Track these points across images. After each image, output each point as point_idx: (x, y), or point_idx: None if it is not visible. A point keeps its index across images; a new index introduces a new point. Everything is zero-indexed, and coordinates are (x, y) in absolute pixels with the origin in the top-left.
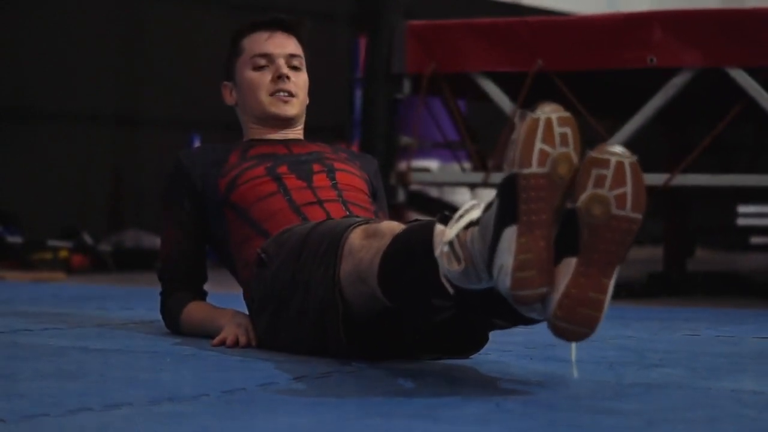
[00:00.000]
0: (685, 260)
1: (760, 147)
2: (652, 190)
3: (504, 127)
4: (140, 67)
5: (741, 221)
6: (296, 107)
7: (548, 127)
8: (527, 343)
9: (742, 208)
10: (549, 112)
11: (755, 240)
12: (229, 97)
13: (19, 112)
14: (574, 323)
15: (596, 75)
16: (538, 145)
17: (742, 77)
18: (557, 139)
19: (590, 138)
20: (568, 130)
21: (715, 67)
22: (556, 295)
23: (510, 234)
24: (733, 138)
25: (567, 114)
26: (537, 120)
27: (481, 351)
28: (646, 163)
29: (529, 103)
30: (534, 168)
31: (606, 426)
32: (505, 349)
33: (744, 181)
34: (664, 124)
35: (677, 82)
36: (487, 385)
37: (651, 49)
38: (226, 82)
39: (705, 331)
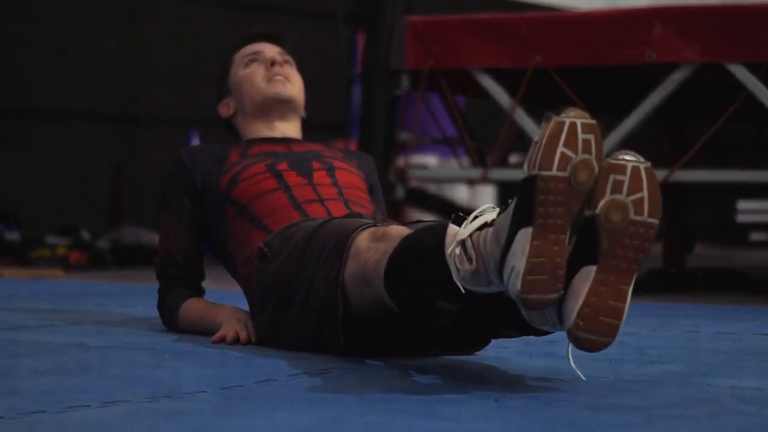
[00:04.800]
0: (685, 256)
1: (759, 143)
2: None
3: (502, 123)
4: (140, 65)
5: (740, 217)
6: (294, 89)
7: (572, 132)
8: (527, 340)
9: (742, 204)
10: (574, 117)
11: (755, 236)
12: (226, 110)
13: (19, 111)
14: (595, 333)
15: (595, 71)
16: (560, 148)
17: (741, 73)
18: (580, 145)
19: None
20: (591, 138)
21: (714, 62)
22: (577, 305)
23: (524, 236)
24: (733, 134)
25: (593, 121)
26: (562, 123)
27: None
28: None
29: (527, 99)
30: (554, 171)
31: (605, 422)
32: (505, 345)
33: (743, 176)
34: (663, 120)
35: (676, 77)
36: (487, 382)
37: (650, 45)
38: (221, 102)
39: (704, 328)
